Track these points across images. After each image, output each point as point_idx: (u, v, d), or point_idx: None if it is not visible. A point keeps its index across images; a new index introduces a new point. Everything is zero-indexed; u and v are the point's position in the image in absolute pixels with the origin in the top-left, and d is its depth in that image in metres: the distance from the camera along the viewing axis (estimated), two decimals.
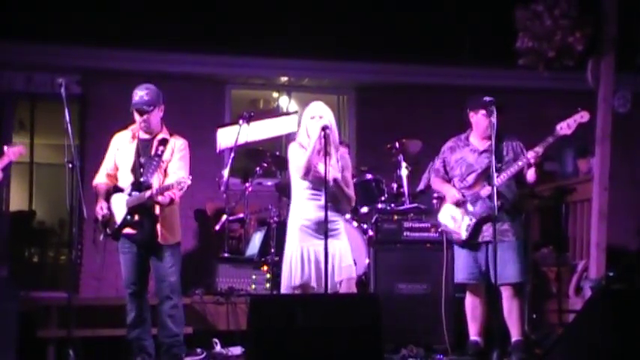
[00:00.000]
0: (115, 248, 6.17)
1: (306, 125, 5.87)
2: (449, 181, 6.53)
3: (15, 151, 6.75)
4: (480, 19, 9.48)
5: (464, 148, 6.47)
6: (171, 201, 6.02)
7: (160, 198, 5.94)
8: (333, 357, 4.93)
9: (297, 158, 5.82)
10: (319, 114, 5.82)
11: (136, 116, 6.09)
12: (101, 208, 6.04)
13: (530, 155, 6.08)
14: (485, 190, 6.20)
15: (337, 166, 5.84)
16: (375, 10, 9.67)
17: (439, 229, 6.74)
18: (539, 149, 6.06)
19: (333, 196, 5.79)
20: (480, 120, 6.36)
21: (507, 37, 7.33)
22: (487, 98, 6.25)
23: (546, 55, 7.08)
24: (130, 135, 6.20)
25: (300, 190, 5.86)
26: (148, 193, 5.92)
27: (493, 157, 6.03)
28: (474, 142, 6.42)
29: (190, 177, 5.84)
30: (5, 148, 6.66)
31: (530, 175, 6.24)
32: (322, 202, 5.68)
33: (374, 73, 10.00)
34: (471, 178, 6.39)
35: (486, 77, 9.68)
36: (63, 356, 5.97)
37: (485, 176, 6.24)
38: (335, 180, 5.75)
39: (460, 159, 6.47)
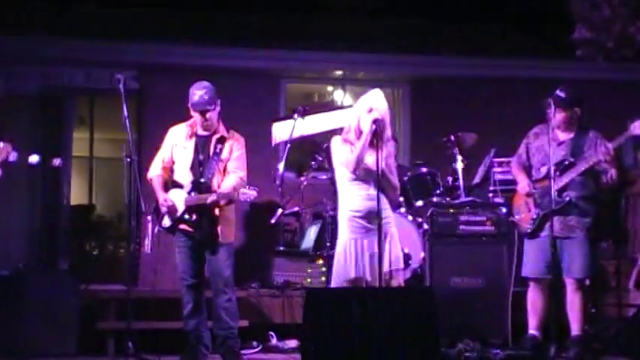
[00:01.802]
0: (171, 241, 6.24)
1: (358, 116, 5.82)
2: (529, 167, 6.49)
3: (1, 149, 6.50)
4: (535, 10, 9.33)
5: (546, 136, 6.37)
6: (230, 201, 6.10)
7: (222, 202, 6.03)
8: (388, 350, 4.92)
9: (344, 154, 5.78)
10: (372, 106, 5.77)
11: (197, 115, 6.15)
12: (165, 200, 6.12)
13: (600, 151, 6.00)
14: (555, 184, 6.13)
15: (383, 156, 5.81)
16: (428, 3, 9.59)
17: (510, 219, 6.70)
18: (610, 145, 5.97)
19: (380, 186, 5.77)
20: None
21: (565, 27, 7.24)
22: (557, 92, 6.26)
23: (605, 45, 6.97)
24: (187, 131, 6.25)
25: (346, 182, 5.83)
26: (210, 198, 5.99)
27: (551, 150, 5.98)
28: (558, 132, 6.35)
29: (256, 188, 5.93)
30: None
31: (610, 175, 6.15)
32: (370, 192, 5.66)
33: (429, 67, 9.91)
34: (544, 170, 6.35)
35: (543, 69, 9.54)
36: (122, 348, 6.06)
37: (558, 169, 6.16)
38: (382, 170, 5.72)
39: (540, 147, 6.45)
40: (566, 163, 6.16)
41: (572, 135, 6.28)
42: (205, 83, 6.18)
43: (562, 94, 6.25)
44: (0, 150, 6.32)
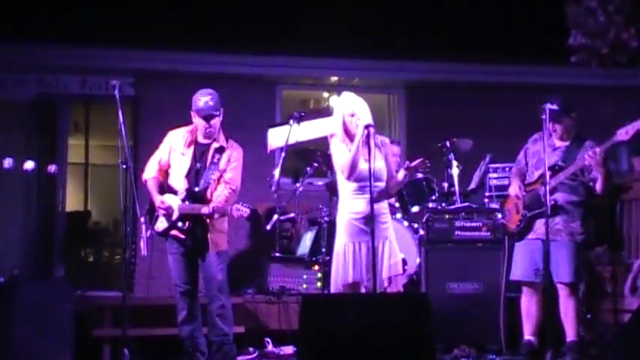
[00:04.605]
0: (165, 247, 6.25)
1: (345, 123, 5.83)
2: (525, 173, 6.53)
3: None
4: (530, 16, 9.34)
5: (543, 142, 6.41)
6: (223, 214, 6.09)
7: (215, 216, 6.03)
8: (384, 356, 4.91)
9: (340, 158, 5.79)
10: (359, 111, 5.79)
11: (200, 121, 6.13)
12: (162, 203, 6.10)
13: (587, 155, 6.02)
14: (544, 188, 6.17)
15: (381, 155, 5.86)
16: (424, 9, 9.60)
17: (500, 221, 6.73)
18: (597, 149, 5.99)
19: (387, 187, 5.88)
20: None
21: (559, 33, 7.26)
22: (549, 105, 6.23)
23: (600, 51, 7.00)
24: (187, 138, 6.23)
25: (347, 185, 5.83)
26: (204, 210, 5.98)
27: (546, 156, 6.00)
28: (555, 139, 6.40)
29: (250, 207, 5.94)
30: None
31: (599, 183, 6.16)
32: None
33: (424, 72, 9.95)
34: (537, 174, 6.40)
35: (538, 75, 9.57)
36: (118, 355, 6.05)
37: (549, 173, 6.19)
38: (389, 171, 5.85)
39: (536, 152, 6.49)
40: (557, 167, 6.18)
41: (568, 142, 6.30)
42: (210, 90, 6.15)
43: (554, 107, 6.27)
44: None
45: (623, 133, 5.95)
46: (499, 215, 6.91)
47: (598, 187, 6.20)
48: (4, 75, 9.18)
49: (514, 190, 6.48)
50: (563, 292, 6.24)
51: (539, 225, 6.24)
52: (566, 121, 6.27)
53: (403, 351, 4.94)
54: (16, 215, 9.26)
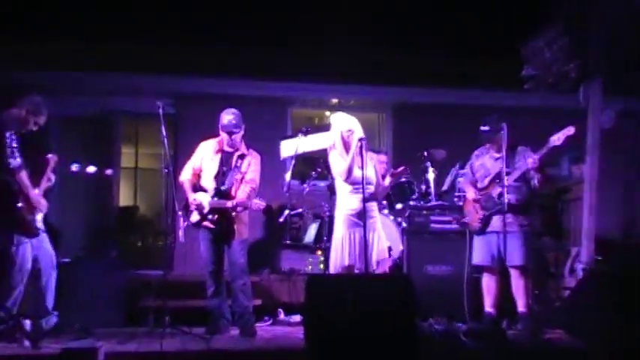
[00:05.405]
0: (197, 235, 6.30)
1: (343, 137, 5.89)
2: (475, 182, 6.56)
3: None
4: (491, 47, 9.33)
5: (485, 155, 6.54)
6: (245, 207, 6.16)
7: (238, 209, 6.11)
8: (374, 324, 4.96)
9: (338, 165, 5.87)
10: (354, 128, 5.86)
11: (224, 135, 6.22)
12: (195, 200, 6.18)
13: (529, 161, 6.12)
14: (496, 190, 6.26)
15: (371, 165, 5.96)
16: (406, 43, 9.61)
17: (461, 221, 6.76)
18: (535, 156, 6.09)
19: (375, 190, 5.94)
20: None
21: (513, 63, 7.32)
22: (482, 127, 6.34)
23: (547, 81, 7.06)
24: (215, 147, 6.31)
25: (343, 186, 5.92)
26: (230, 204, 6.05)
27: (504, 163, 6.07)
28: (492, 151, 6.47)
29: (264, 201, 6.05)
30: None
31: (536, 180, 6.25)
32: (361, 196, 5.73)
33: (407, 95, 9.96)
34: (486, 181, 6.46)
35: (497, 98, 9.57)
36: (160, 321, 6.10)
37: (497, 179, 6.30)
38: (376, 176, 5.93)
39: (481, 164, 6.55)
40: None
41: (503, 152, 6.30)
42: (234, 110, 6.25)
43: (486, 128, 6.35)
44: (49, 159, 6.32)
45: (556, 140, 6.06)
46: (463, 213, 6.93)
47: (536, 184, 6.28)
48: (72, 97, 9.22)
49: (471, 195, 6.55)
50: (515, 273, 6.28)
51: (495, 220, 6.32)
52: (496, 138, 6.31)
53: (390, 320, 5.00)
54: (79, 208, 9.34)
